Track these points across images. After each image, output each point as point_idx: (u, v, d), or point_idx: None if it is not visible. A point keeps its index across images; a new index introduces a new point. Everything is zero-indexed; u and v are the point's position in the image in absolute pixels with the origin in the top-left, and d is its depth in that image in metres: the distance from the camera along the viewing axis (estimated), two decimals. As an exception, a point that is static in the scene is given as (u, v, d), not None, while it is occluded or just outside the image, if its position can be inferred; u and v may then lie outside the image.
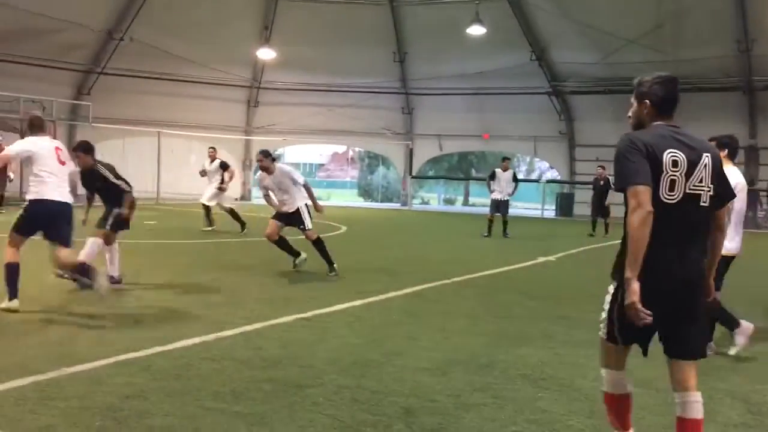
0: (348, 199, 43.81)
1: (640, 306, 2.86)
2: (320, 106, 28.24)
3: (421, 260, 11.41)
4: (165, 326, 5.84)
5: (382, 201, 38.64)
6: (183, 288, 7.71)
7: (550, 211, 27.65)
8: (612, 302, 3.19)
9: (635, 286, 2.87)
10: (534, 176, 39.82)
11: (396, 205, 31.47)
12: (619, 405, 3.34)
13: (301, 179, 9.34)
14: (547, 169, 36.92)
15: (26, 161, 6.31)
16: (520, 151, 33.70)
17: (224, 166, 15.47)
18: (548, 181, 30.72)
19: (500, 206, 16.44)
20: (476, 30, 23.55)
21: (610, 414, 3.37)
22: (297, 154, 51.81)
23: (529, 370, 4.90)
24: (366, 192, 47.60)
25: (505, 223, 16.28)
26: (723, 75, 24.22)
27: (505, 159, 17.92)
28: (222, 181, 15.17)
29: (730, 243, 5.19)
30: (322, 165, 76.34)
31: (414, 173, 30.80)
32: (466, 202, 43.05)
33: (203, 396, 4.06)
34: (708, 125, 24.97)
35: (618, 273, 3.09)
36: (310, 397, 4.12)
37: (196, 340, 5.37)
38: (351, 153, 66.15)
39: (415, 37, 27.08)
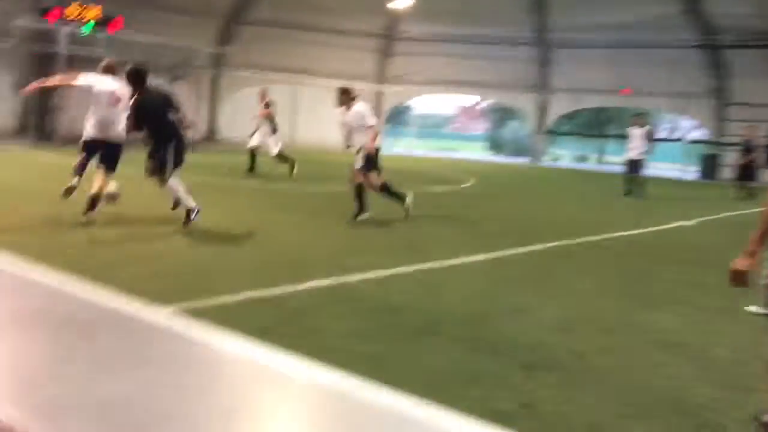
0: (477, 152, 43.31)
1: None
2: (453, 57, 27.83)
3: (550, 218, 11.15)
4: (296, 267, 6.08)
5: (511, 155, 37.93)
6: (311, 233, 7.99)
7: (692, 173, 26.07)
8: None
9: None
10: (677, 135, 37.50)
11: (526, 160, 30.77)
12: None
13: (371, 120, 9.01)
14: (691, 129, 34.63)
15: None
16: (664, 108, 31.77)
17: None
18: (692, 141, 28.87)
19: (633, 165, 15.70)
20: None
21: None
22: (425, 106, 51.51)
23: (659, 335, 4.70)
24: (496, 146, 46.81)
25: (639, 184, 15.53)
26: None
27: (637, 115, 16.99)
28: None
29: None
30: (452, 117, 75.76)
31: (547, 128, 29.89)
32: (600, 160, 41.34)
33: (328, 335, 4.22)
34: None
35: None
36: (429, 344, 4.18)
37: (324, 282, 5.56)
38: (482, 106, 65.06)
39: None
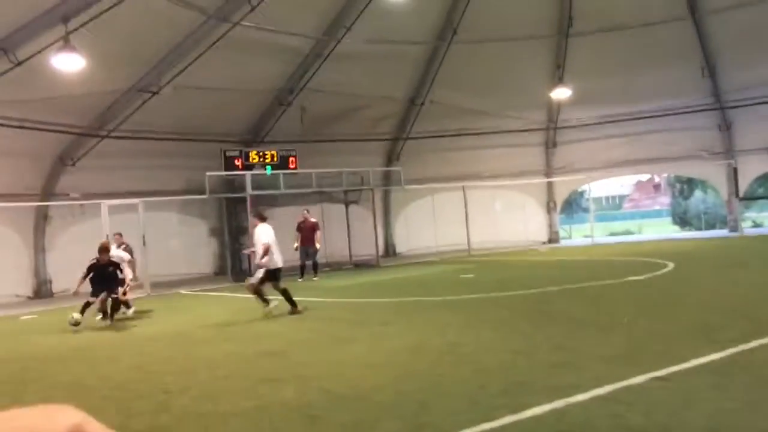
0: (662, 229, 40.73)
1: None
2: (621, 137, 26.83)
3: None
4: (508, 392, 5.63)
5: (701, 228, 35.18)
6: (516, 346, 7.51)
7: None
8: None
9: None
10: None
11: (722, 232, 28.28)
12: None
13: (264, 240, 11.53)
14: None
15: None
16: None
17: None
18: None
19: None
20: (802, 23, 20.47)
21: None
22: (597, 188, 49.82)
23: None
24: (682, 220, 43.85)
25: None
26: None
27: None
28: None
29: None
30: (627, 196, 72.61)
31: (741, 194, 27.47)
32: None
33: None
34: None
35: None
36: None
37: (546, 407, 5.06)
38: (658, 179, 61.87)
39: (724, 46, 24.45)
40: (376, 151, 26.76)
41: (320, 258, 19.71)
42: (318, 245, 19.36)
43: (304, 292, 13.38)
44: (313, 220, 19.76)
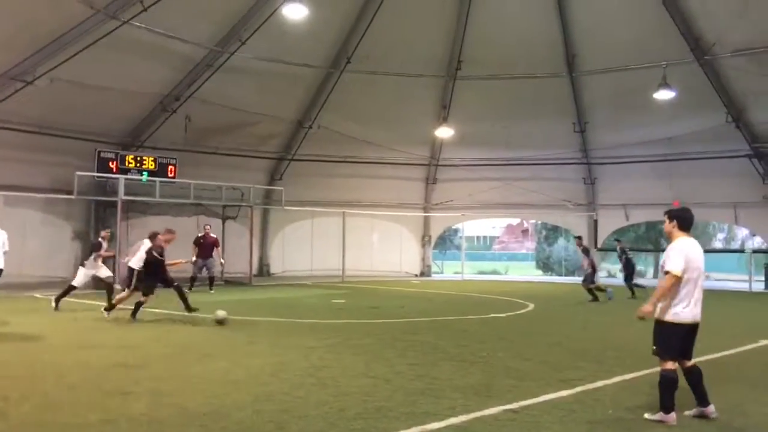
0: (526, 272, 42.73)
1: None
2: (498, 180, 28.07)
3: (623, 342, 10.54)
4: (367, 417, 5.69)
5: (564, 274, 37.24)
6: (379, 373, 7.61)
7: (758, 283, 25.04)
8: None
9: None
10: (735, 245, 36.54)
11: (579, 279, 30.04)
12: None
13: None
14: (747, 237, 33.77)
15: None
16: (717, 218, 31.15)
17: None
18: (755, 251, 27.98)
19: None
20: (664, 94, 22.40)
21: None
22: (471, 228, 51.76)
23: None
24: (545, 265, 46.24)
25: None
26: None
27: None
28: None
29: None
30: (497, 237, 75.75)
31: (599, 245, 29.39)
32: (656, 275, 40.26)
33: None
34: None
35: None
36: None
37: (404, 434, 5.17)
38: (526, 225, 65.00)
39: (596, 106, 26.33)
40: (259, 168, 26.47)
41: (192, 273, 19.18)
42: (222, 260, 19.99)
43: (174, 305, 12.91)
44: (213, 236, 19.71)
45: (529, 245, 57.09)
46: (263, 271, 26.86)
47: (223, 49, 21.28)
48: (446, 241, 44.34)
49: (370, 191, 27.94)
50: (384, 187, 28.23)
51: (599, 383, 7.21)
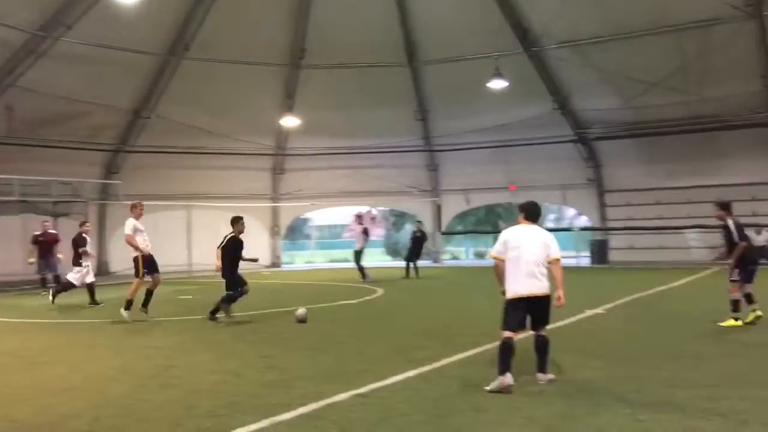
0: (376, 258, 43.54)
1: None
2: (345, 169, 28.36)
3: (466, 320, 11.08)
4: (216, 414, 5.57)
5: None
6: (229, 367, 7.47)
7: (584, 259, 27.21)
8: None
9: None
10: (564, 224, 39.39)
11: (427, 263, 31.11)
12: None
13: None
14: (575, 217, 36.53)
15: None
16: (548, 200, 33.34)
17: None
18: (582, 229, 30.33)
19: None
20: (497, 84, 23.62)
21: None
22: (323, 217, 51.88)
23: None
24: (394, 251, 47.34)
25: None
26: (750, 111, 23.92)
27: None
28: None
29: None
30: (347, 225, 76.56)
31: (443, 229, 30.58)
32: (496, 255, 42.54)
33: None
34: (737, 162, 24.82)
35: None
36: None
37: (253, 427, 5.11)
38: (374, 212, 66.21)
39: (436, 95, 27.29)
40: (93, 161, 24.92)
41: (19, 274, 17.77)
42: (60, 256, 18.03)
43: (3, 311, 11.91)
44: (53, 231, 18.32)
45: (379, 232, 58.19)
46: (102, 269, 25.38)
47: (47, 33, 19.78)
48: (296, 231, 44.17)
49: (217, 183, 27.22)
50: (231, 178, 27.62)
51: (444, 361, 7.51)
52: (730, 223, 9.92)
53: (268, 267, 28.80)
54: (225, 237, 11.56)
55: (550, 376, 6.40)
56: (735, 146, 24.70)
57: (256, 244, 29.04)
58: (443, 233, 30.86)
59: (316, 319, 11.53)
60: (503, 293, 6.46)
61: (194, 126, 25.21)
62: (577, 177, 27.93)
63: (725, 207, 10.13)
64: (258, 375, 7.05)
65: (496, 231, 44.34)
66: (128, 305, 11.61)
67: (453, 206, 30.66)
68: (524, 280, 6.31)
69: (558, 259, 6.54)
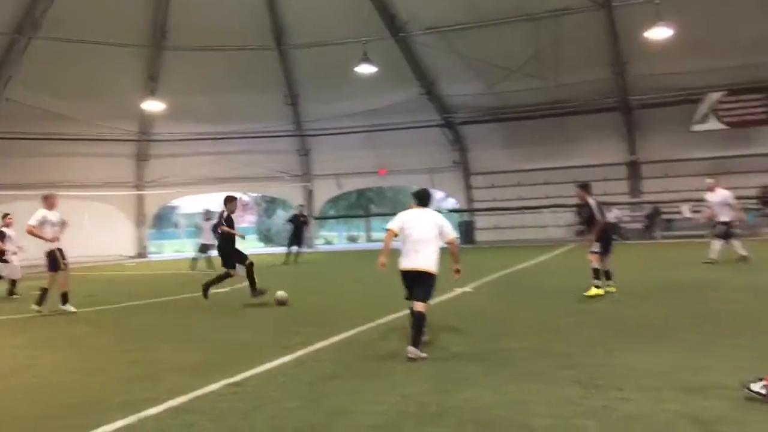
0: (249, 245, 42.86)
1: None
2: (214, 155, 27.65)
3: (340, 304, 11.16)
4: (80, 412, 5.28)
5: (283, 244, 38.01)
6: (93, 363, 7.10)
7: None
8: None
9: None
10: (433, 207, 40.50)
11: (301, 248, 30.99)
12: None
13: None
14: (443, 199, 37.62)
15: None
16: (417, 183, 34.11)
17: None
18: (450, 210, 31.29)
19: None
20: (365, 69, 23.81)
21: None
22: (193, 205, 50.36)
23: (480, 414, 4.74)
24: (266, 237, 46.80)
25: None
26: (601, 96, 25.60)
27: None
28: None
29: None
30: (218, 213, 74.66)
31: (315, 214, 30.55)
32: (369, 239, 43.14)
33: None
34: (591, 145, 26.47)
35: None
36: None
37: (119, 424, 4.88)
38: (246, 198, 65.10)
39: (305, 79, 27.12)
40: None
41: None
42: None
43: None
44: None
45: (251, 218, 57.28)
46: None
47: None
48: (164, 220, 42.59)
49: (78, 171, 25.71)
50: (93, 165, 26.18)
51: (319, 345, 7.51)
52: (592, 202, 10.65)
53: (132, 258, 27.61)
54: (221, 216, 11.83)
55: (423, 355, 6.57)
56: (588, 130, 26.36)
57: (119, 235, 27.87)
58: (316, 218, 30.83)
59: (183, 310, 11.20)
60: (383, 265, 7.00)
61: (50, 111, 23.63)
62: (444, 160, 28.77)
63: (585, 188, 10.86)
64: (123, 370, 6.74)
65: (368, 215, 45.12)
66: (63, 300, 11.34)
67: (325, 191, 30.72)
68: (409, 256, 7.00)
69: (454, 239, 7.30)
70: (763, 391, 4.51)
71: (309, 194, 29.98)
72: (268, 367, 6.52)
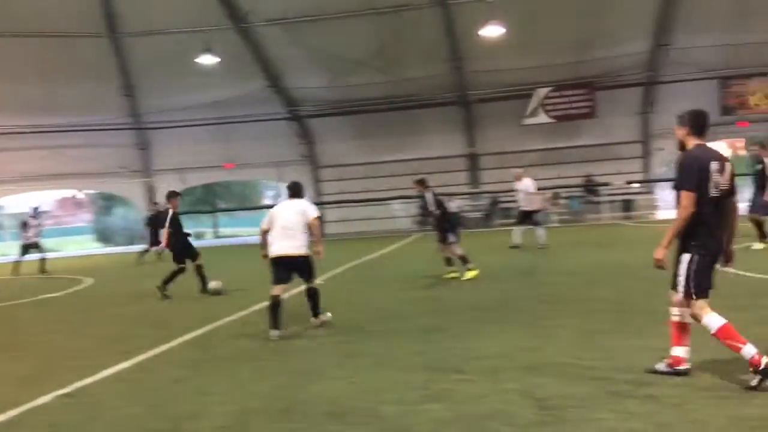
0: (85, 246, 40.35)
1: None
2: (43, 149, 25.66)
3: (184, 304, 10.76)
4: None
5: (125, 244, 36.13)
6: None
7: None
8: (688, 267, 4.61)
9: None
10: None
11: (142, 247, 29.57)
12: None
13: None
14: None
15: None
16: (265, 177, 33.75)
17: None
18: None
19: None
20: (207, 59, 23.12)
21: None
22: (20, 204, 46.53)
23: (331, 406, 4.76)
24: (104, 236, 44.30)
25: None
26: (442, 91, 26.56)
27: None
28: None
29: None
30: (48, 212, 69.62)
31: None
32: (217, 235, 42.08)
33: None
34: (434, 137, 27.42)
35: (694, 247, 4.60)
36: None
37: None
38: (81, 195, 61.24)
39: (143, 69, 25.83)
40: None
41: None
42: None
43: None
44: None
45: (86, 217, 53.81)
46: None
47: None
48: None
49: None
50: None
51: (163, 347, 7.21)
52: (428, 195, 11.10)
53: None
54: (169, 214, 11.44)
55: (323, 318, 7.81)
56: (431, 123, 27.27)
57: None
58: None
59: (7, 319, 10.34)
60: (265, 256, 7.67)
61: None
62: (292, 154, 28.62)
63: (421, 182, 11.34)
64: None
65: (215, 211, 43.89)
66: None
67: (167, 186, 29.41)
68: (279, 243, 7.49)
69: (315, 219, 7.65)
70: (666, 369, 4.84)
71: (151, 190, 28.64)
72: (106, 374, 6.16)
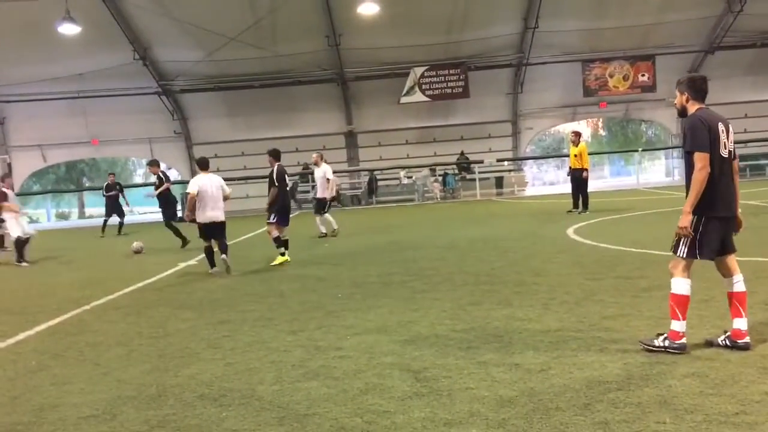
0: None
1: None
2: None
3: (47, 288, 10.14)
4: None
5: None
6: None
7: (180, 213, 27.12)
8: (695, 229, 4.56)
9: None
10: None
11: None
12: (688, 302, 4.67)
13: None
14: (167, 169, 36.10)
15: None
16: (135, 154, 32.30)
17: None
18: (174, 183, 30.06)
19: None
20: (68, 29, 21.69)
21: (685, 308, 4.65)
22: None
23: (206, 388, 4.64)
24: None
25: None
26: (319, 68, 26.38)
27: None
28: None
29: None
30: None
31: (16, 191, 27.32)
32: (82, 215, 39.86)
33: None
34: (312, 115, 27.23)
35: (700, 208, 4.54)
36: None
37: None
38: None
39: (-4, 37, 23.86)
40: None
41: None
42: None
43: None
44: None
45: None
46: None
47: None
48: None
49: None
50: None
51: (21, 335, 6.77)
52: (274, 169, 10.97)
53: None
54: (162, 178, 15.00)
55: (228, 259, 10.08)
56: (309, 100, 27.07)
57: None
58: (17, 194, 27.58)
59: None
60: (193, 220, 10.02)
61: None
62: (165, 130, 27.57)
63: (273, 154, 11.17)
64: None
65: (81, 189, 41.50)
66: None
67: (27, 164, 27.60)
68: (207, 212, 10.03)
69: (229, 194, 10.58)
70: (665, 344, 4.68)
71: (8, 168, 26.66)
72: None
